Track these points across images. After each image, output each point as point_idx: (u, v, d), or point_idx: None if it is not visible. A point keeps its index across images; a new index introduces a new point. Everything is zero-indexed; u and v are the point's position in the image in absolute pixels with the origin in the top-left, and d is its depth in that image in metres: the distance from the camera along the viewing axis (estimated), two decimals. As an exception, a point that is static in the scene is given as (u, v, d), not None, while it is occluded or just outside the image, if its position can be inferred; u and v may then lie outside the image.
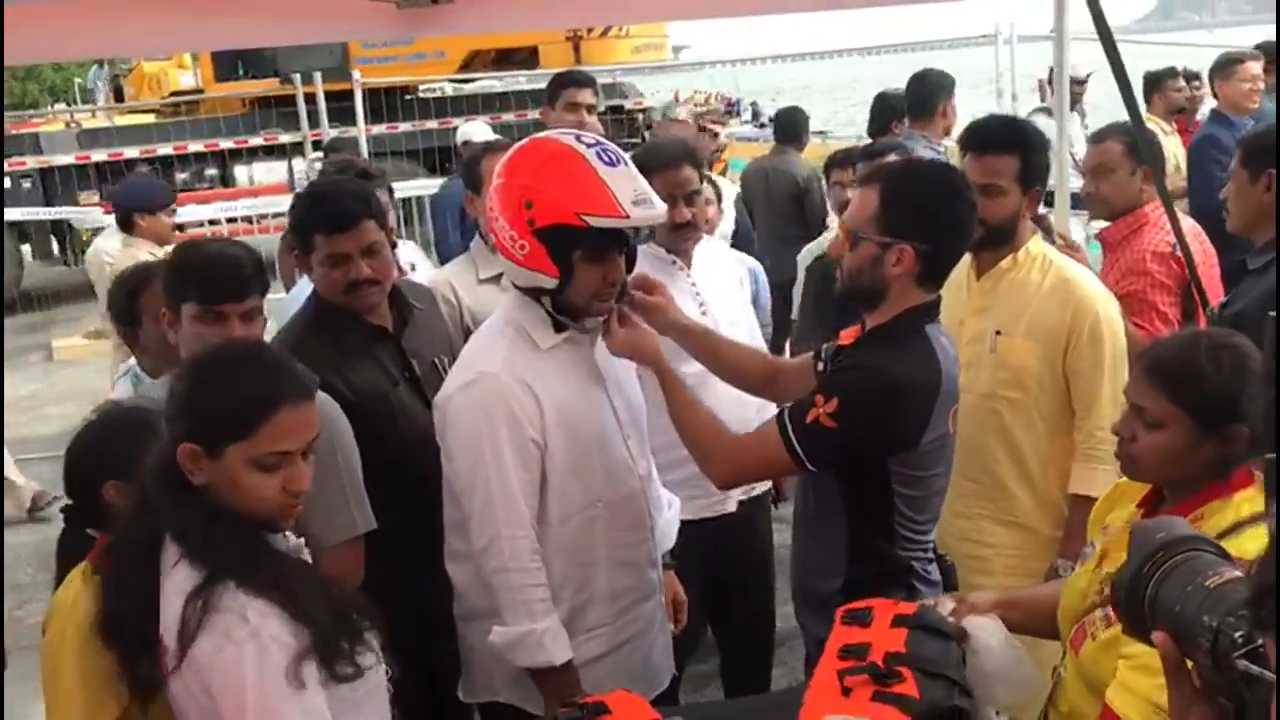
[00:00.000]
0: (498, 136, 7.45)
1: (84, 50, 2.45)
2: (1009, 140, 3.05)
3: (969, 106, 5.87)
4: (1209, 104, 6.91)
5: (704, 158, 3.54)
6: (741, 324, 3.47)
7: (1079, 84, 6.57)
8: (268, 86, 12.78)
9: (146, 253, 5.16)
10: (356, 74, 10.81)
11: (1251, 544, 1.90)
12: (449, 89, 13.79)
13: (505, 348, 2.49)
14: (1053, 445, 3.13)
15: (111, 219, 6.00)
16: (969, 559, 3.07)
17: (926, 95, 5.37)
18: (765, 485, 3.67)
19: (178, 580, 1.81)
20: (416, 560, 2.68)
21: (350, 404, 2.69)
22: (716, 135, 6.13)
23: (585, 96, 4.65)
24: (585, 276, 2.42)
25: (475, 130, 7.70)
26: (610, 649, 2.58)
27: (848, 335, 2.56)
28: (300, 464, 1.90)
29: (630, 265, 2.54)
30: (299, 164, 11.93)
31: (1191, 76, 6.83)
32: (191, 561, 1.82)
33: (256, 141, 12.88)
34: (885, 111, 5.94)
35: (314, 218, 2.85)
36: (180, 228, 9.22)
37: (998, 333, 3.10)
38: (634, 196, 2.37)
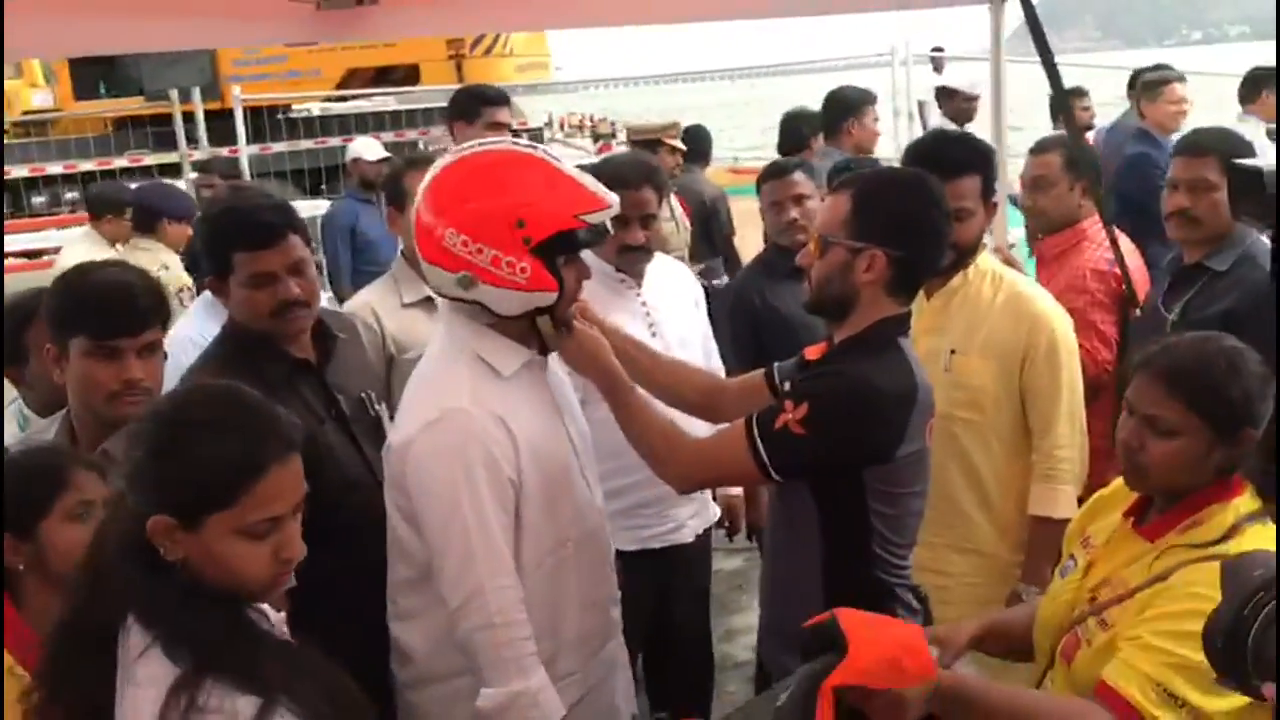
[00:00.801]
0: (389, 155, 7.25)
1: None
2: (971, 160, 2.99)
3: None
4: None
5: (664, 186, 3.36)
6: (694, 344, 3.31)
7: (968, 100, 6.66)
8: (133, 105, 12.18)
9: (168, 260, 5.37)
10: (237, 91, 10.34)
11: (1251, 542, 1.87)
12: (324, 108, 13.39)
13: (468, 378, 2.25)
14: (1010, 467, 3.05)
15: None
16: (930, 589, 2.96)
17: (836, 113, 5.51)
18: (715, 515, 3.51)
19: (150, 672, 1.52)
20: (344, 620, 2.39)
21: None
22: (676, 151, 5.99)
23: (506, 115, 4.43)
24: (571, 284, 2.26)
25: (366, 147, 7.43)
26: (581, 696, 2.38)
27: (813, 351, 2.44)
28: (291, 525, 1.63)
29: None
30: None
31: (1082, 94, 6.99)
32: (166, 650, 1.53)
33: (121, 163, 12.26)
34: (796, 129, 5.96)
35: (231, 233, 2.55)
36: (37, 254, 8.71)
37: (952, 351, 3.02)
38: (597, 182, 2.26)
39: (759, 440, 2.23)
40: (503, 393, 2.25)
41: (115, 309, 2.33)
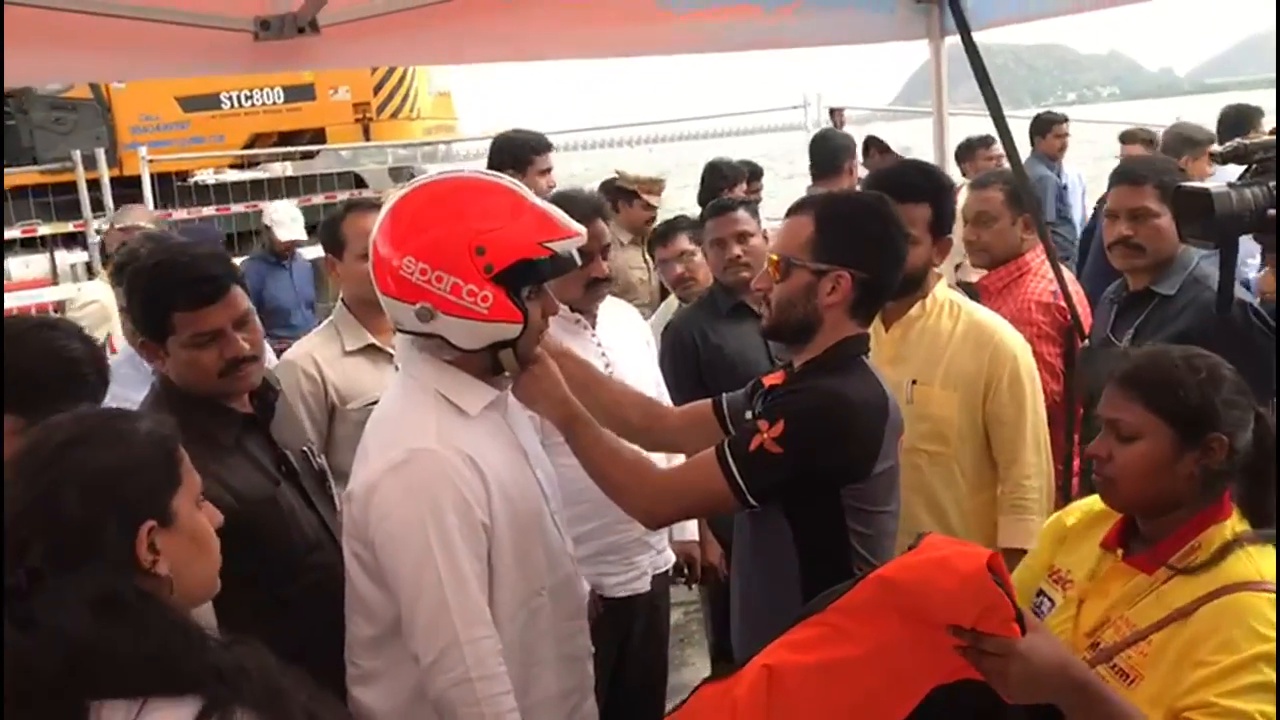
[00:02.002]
0: (305, 238, 7.08)
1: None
2: (923, 188, 2.96)
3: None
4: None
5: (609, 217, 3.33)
6: (648, 384, 3.23)
7: (884, 151, 6.84)
8: (30, 174, 11.76)
9: None
10: (144, 151, 10.01)
11: (1238, 566, 1.81)
12: (219, 175, 13.07)
13: (434, 418, 2.13)
14: (975, 499, 3.02)
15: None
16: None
17: (832, 153, 5.79)
18: (672, 560, 3.40)
19: None
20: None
21: (236, 513, 2.24)
22: (651, 207, 5.95)
23: (551, 160, 4.36)
24: (535, 316, 2.16)
25: (282, 222, 7.20)
26: None
27: (772, 378, 2.39)
28: None
29: None
30: (65, 255, 10.98)
31: (989, 143, 7.21)
32: (169, 693, 1.39)
33: (13, 234, 11.79)
34: (717, 180, 6.04)
35: (170, 291, 2.33)
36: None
37: (914, 382, 2.98)
38: (562, 212, 2.18)
39: (733, 465, 2.16)
40: (469, 432, 2.14)
41: (48, 382, 2.16)
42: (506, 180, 2.19)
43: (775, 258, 2.30)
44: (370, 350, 3.20)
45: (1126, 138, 7.70)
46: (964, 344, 2.96)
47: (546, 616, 2.23)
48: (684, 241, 4.30)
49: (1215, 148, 4.43)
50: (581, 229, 2.18)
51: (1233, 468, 1.90)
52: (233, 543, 2.14)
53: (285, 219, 7.21)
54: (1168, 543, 1.90)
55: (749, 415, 2.43)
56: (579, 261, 2.27)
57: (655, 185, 5.94)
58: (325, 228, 3.31)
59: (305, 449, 2.58)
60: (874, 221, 2.29)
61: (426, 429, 2.10)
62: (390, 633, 2.12)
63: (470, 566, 2.06)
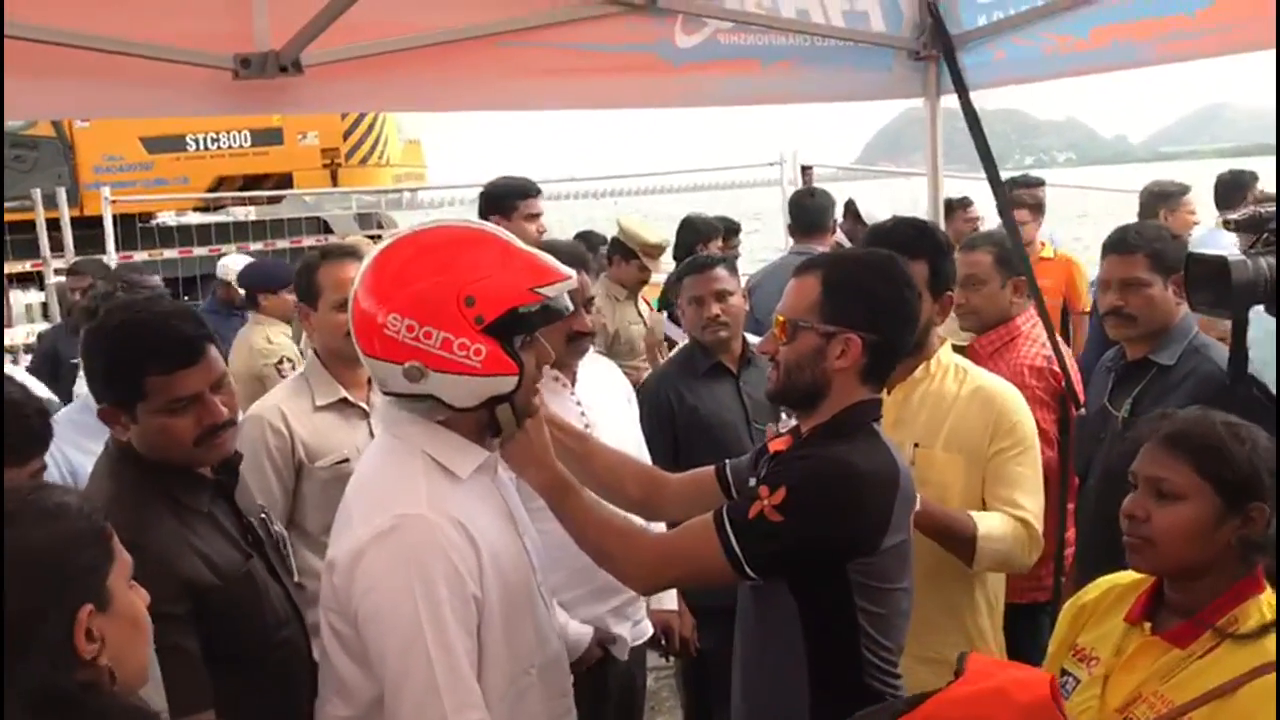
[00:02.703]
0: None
1: None
2: (921, 245, 2.86)
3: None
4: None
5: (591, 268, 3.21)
6: (629, 443, 3.09)
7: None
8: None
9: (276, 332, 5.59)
10: (107, 192, 9.82)
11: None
12: (181, 219, 12.91)
13: (423, 481, 1.98)
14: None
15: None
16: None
17: (818, 212, 5.79)
18: (648, 632, 3.25)
19: None
20: None
21: (219, 591, 2.07)
22: (646, 270, 5.85)
23: (540, 205, 4.23)
24: (530, 367, 2.03)
25: (234, 264, 7.01)
26: None
27: (779, 443, 2.27)
28: None
29: None
30: (20, 295, 10.74)
31: (967, 204, 7.22)
32: None
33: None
34: (692, 235, 6.02)
35: (143, 354, 2.10)
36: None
37: (916, 445, 2.87)
38: (550, 256, 2.05)
39: (731, 534, 2.04)
40: (460, 497, 2.00)
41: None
42: (492, 228, 2.07)
43: (782, 319, 2.19)
44: (342, 405, 3.05)
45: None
46: (969, 407, 2.85)
47: (535, 697, 2.08)
48: (725, 278, 3.71)
49: (1229, 215, 4.42)
50: (572, 272, 2.05)
51: (1268, 540, 1.86)
52: (215, 623, 2.02)
53: (235, 261, 7.02)
54: (1205, 613, 1.86)
55: (751, 481, 2.31)
56: (571, 306, 2.14)
57: (657, 250, 5.85)
58: (299, 276, 3.16)
59: (263, 515, 2.39)
60: (884, 282, 2.19)
61: (416, 493, 1.95)
62: (369, 715, 1.96)
63: (461, 644, 1.90)
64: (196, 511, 2.15)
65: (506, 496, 2.18)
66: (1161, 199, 6.26)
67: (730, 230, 6.75)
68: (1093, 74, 3.43)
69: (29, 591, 1.32)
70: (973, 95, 3.59)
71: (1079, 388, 3.56)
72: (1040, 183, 7.44)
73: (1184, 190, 6.32)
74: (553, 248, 2.96)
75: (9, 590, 1.30)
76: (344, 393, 3.05)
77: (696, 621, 3.42)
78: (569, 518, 2.18)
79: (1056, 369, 3.55)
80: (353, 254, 3.06)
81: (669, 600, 3.41)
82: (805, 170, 10.01)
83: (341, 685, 1.99)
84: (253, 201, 12.70)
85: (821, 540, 2.04)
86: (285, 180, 12.67)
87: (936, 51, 3.49)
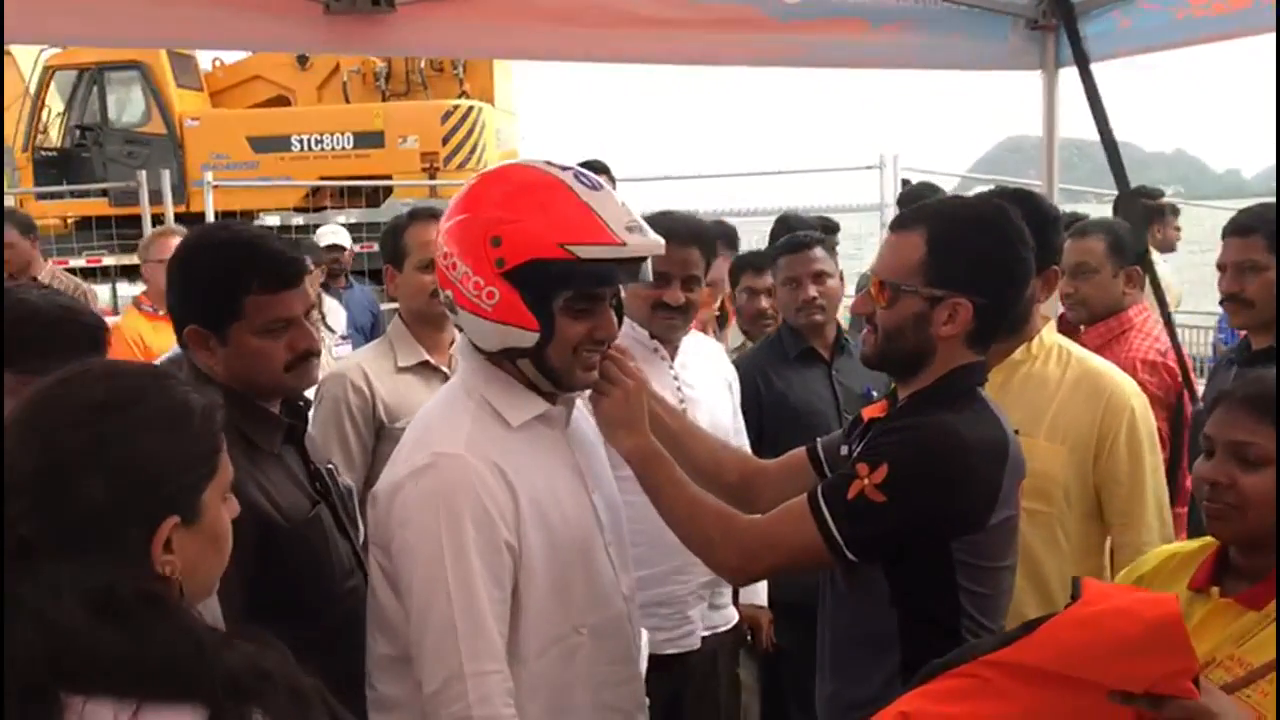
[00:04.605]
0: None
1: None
2: (1027, 219, 2.70)
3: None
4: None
5: (714, 249, 3.07)
6: (725, 430, 2.98)
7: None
8: (98, 205, 11.88)
9: None
10: (209, 177, 9.98)
11: None
12: (284, 218, 13.15)
13: (468, 423, 1.92)
14: (1080, 567, 2.68)
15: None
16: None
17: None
18: (733, 619, 3.12)
19: None
20: None
21: (284, 534, 2.01)
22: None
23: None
24: (567, 332, 1.90)
25: (331, 233, 7.19)
26: None
27: (873, 410, 2.13)
28: None
29: (618, 320, 2.03)
30: (126, 287, 11.02)
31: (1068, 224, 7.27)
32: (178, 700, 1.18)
33: (78, 263, 11.89)
34: (786, 232, 5.86)
35: (246, 271, 2.05)
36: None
37: (1016, 432, 2.69)
38: (627, 221, 1.89)
39: (828, 516, 1.89)
40: (507, 444, 1.92)
41: None
42: (570, 175, 1.93)
43: (879, 280, 2.02)
44: (424, 368, 3.01)
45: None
46: (1074, 393, 2.66)
47: (585, 658, 1.98)
48: (822, 259, 3.75)
49: None
50: (624, 239, 1.87)
51: None
52: (275, 567, 1.94)
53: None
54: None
55: (844, 451, 2.18)
56: (650, 276, 2.01)
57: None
58: (386, 236, 3.14)
59: (330, 466, 2.34)
60: (997, 239, 2.01)
61: (458, 434, 1.90)
62: (408, 655, 1.90)
63: (486, 590, 1.83)
64: (266, 452, 2.09)
65: (583, 455, 2.09)
66: (1158, 214, 6.39)
67: (828, 229, 6.59)
68: (1232, 39, 3.20)
69: (117, 490, 1.23)
70: (1073, 124, 3.45)
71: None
72: (1160, 193, 7.23)
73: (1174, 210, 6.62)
74: (673, 215, 2.86)
75: (97, 479, 1.22)
76: (426, 355, 3.03)
77: (774, 618, 3.31)
78: (658, 491, 2.05)
79: (1172, 363, 3.35)
80: (440, 216, 3.02)
81: (760, 594, 3.29)
82: (905, 183, 9.88)
83: (385, 620, 1.93)
84: (352, 205, 12.86)
85: (927, 519, 1.90)
86: (385, 182, 12.84)
87: (1056, 21, 3.31)
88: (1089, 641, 1.47)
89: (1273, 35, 2.93)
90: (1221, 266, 3.04)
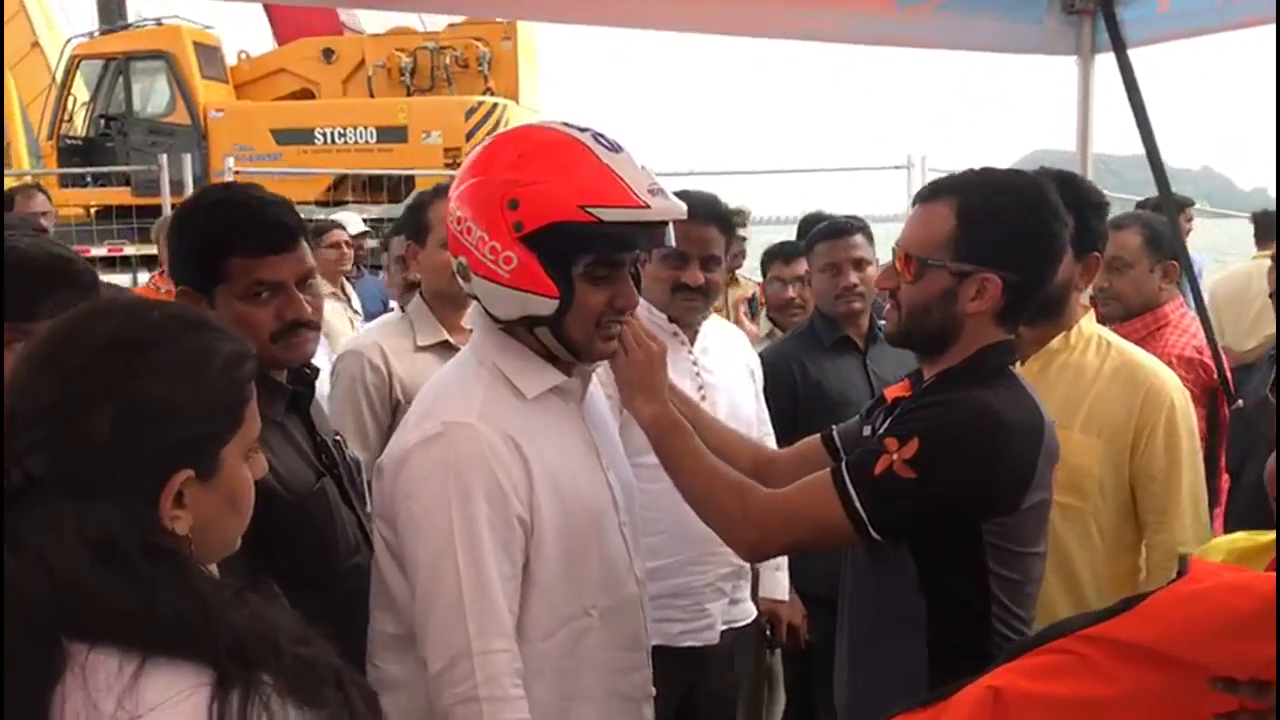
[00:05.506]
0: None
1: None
2: (1062, 196, 2.62)
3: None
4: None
5: (734, 229, 3.01)
6: (746, 418, 2.91)
7: None
8: (121, 194, 11.90)
9: None
10: (230, 164, 9.94)
11: None
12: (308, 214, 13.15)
13: (481, 392, 1.86)
14: (1114, 565, 2.61)
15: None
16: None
17: None
18: (752, 614, 3.04)
19: (159, 691, 1.10)
20: None
21: (287, 506, 1.94)
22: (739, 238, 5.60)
23: None
24: (588, 299, 1.84)
25: (346, 220, 7.10)
26: None
27: (896, 390, 2.06)
28: None
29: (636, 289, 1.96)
30: (147, 277, 11.03)
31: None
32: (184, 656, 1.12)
33: (99, 252, 11.90)
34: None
35: (231, 232, 1.99)
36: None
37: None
38: (649, 184, 1.82)
39: (853, 491, 1.82)
40: (520, 415, 1.86)
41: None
42: (579, 134, 1.85)
43: (905, 254, 1.95)
44: (443, 347, 2.93)
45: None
46: (1112, 384, 2.58)
47: (595, 642, 1.91)
48: (862, 246, 3.64)
49: None
50: (647, 202, 1.80)
51: None
52: (280, 542, 1.84)
53: (348, 218, 7.10)
54: None
55: (866, 431, 2.11)
56: (672, 243, 1.93)
57: (738, 214, 5.65)
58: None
59: (337, 437, 2.28)
60: (1029, 212, 1.93)
61: (470, 403, 1.84)
62: (412, 633, 1.84)
63: (497, 565, 1.77)
64: (269, 419, 1.99)
65: (598, 431, 2.03)
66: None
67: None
68: (1253, 25, 3.11)
69: (125, 432, 1.16)
70: (1100, 140, 3.38)
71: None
72: (1190, 203, 7.16)
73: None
74: (689, 195, 2.79)
75: (105, 418, 1.16)
76: (446, 334, 2.95)
77: (806, 612, 3.21)
78: (677, 461, 1.99)
79: (1208, 360, 3.26)
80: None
81: (779, 589, 3.21)
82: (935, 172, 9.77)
83: (389, 597, 1.87)
84: (374, 199, 12.83)
85: (959, 498, 1.82)
86: (407, 177, 12.81)
87: (1093, 4, 3.22)
88: (1197, 616, 1.36)
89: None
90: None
